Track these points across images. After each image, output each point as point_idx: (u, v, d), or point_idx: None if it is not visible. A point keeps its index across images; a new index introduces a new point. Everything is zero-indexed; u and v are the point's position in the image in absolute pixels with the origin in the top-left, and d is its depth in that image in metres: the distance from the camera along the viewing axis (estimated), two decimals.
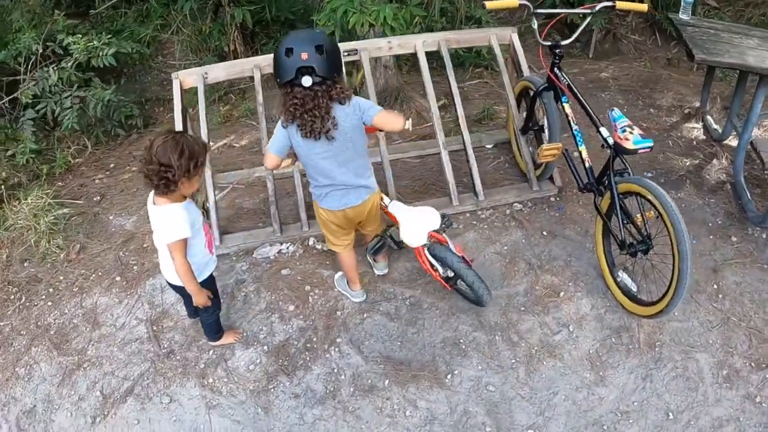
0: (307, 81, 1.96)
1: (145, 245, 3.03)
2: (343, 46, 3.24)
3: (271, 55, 2.08)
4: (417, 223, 2.39)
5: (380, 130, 2.51)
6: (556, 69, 2.83)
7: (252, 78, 3.15)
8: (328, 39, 2.04)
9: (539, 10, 2.77)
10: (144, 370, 2.46)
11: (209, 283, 2.30)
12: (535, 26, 2.72)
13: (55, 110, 3.44)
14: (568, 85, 2.80)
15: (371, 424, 2.27)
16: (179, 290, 2.27)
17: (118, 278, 2.87)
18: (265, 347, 2.53)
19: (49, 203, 3.15)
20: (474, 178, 3.19)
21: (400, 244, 2.63)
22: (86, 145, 3.82)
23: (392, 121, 2.19)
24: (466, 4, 4.16)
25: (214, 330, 2.46)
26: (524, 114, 3.25)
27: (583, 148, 2.77)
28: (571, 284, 2.76)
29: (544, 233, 3.04)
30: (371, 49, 3.27)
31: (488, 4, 2.62)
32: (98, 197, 3.41)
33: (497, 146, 3.68)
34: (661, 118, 3.86)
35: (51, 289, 2.83)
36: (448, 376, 2.41)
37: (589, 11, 2.77)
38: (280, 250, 2.97)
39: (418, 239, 2.39)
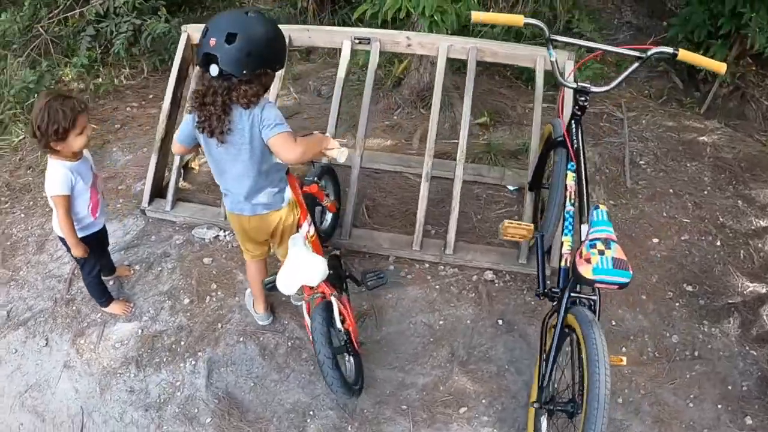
0: (213, 70, 1.71)
1: (120, 188, 3.17)
2: (357, 32, 2.84)
3: None
4: (292, 268, 2.02)
5: None
6: (573, 122, 2.10)
7: None
8: (256, 28, 1.72)
9: (561, 38, 2.03)
10: (45, 308, 2.63)
11: (94, 241, 2.34)
12: (554, 58, 2.00)
13: (113, 32, 3.69)
14: (578, 149, 2.07)
15: None
16: (62, 241, 2.32)
17: None
18: (140, 331, 2.50)
19: None
20: (449, 224, 2.64)
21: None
22: (143, 69, 4.07)
23: (285, 150, 1.81)
24: (568, 12, 3.31)
25: (96, 292, 2.49)
26: (534, 165, 2.54)
27: (567, 239, 2.04)
28: (484, 401, 2.18)
29: (500, 322, 2.43)
30: (386, 42, 2.79)
31: (477, 16, 1.96)
32: (118, 125, 3.64)
33: (521, 191, 2.97)
34: (747, 217, 2.74)
35: (32, 203, 3.15)
36: None
37: (637, 54, 1.94)
38: (218, 235, 2.86)
39: (284, 286, 2.02)
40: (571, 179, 2.06)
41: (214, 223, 2.89)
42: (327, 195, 2.59)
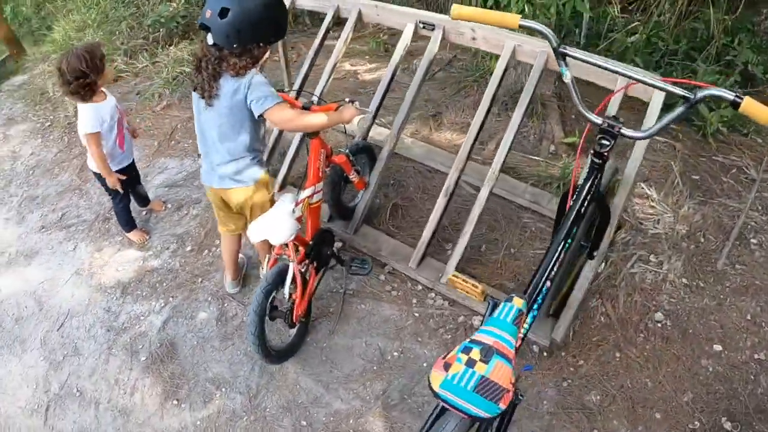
0: (209, 39, 1.82)
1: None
2: (425, 15, 2.60)
3: None
4: (263, 220, 1.93)
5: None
6: (588, 172, 1.64)
7: None
8: (248, 4, 1.74)
9: (577, 53, 1.55)
10: (88, 219, 2.99)
11: (125, 174, 2.59)
12: (568, 79, 1.56)
13: None
14: (579, 212, 1.64)
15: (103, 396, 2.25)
16: (98, 177, 2.61)
17: (155, 143, 3.44)
18: (141, 262, 2.70)
19: (184, 58, 3.87)
20: (455, 250, 2.30)
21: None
22: None
23: (282, 121, 1.94)
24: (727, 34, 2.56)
25: (122, 220, 2.76)
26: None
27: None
28: None
29: None
30: (450, 31, 2.50)
31: (458, 12, 1.57)
32: None
33: None
34: None
35: None
36: (175, 401, 2.11)
37: (682, 92, 1.39)
38: None
39: (251, 232, 1.94)
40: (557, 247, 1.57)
41: None
42: (357, 171, 2.48)
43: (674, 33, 2.92)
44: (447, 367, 1.20)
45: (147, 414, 2.09)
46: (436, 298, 2.33)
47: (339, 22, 2.87)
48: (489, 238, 2.57)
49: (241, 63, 1.81)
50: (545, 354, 2.09)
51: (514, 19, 1.49)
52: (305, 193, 2.12)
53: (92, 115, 2.36)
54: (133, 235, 2.80)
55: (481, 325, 1.35)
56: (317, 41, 2.85)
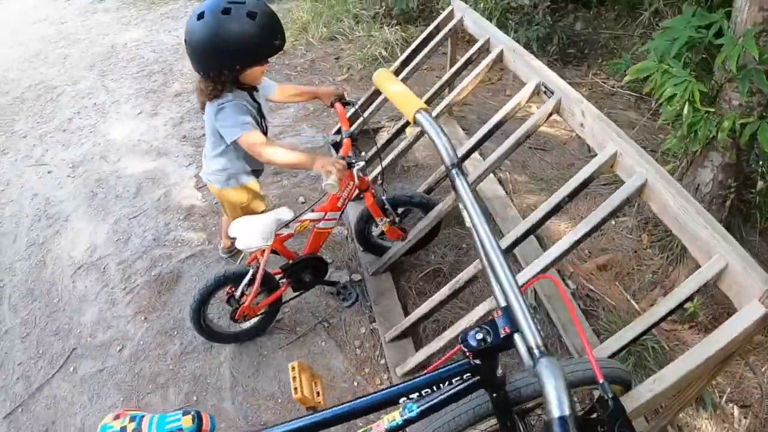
0: None
1: None
2: (551, 79, 2.24)
3: None
4: (243, 220, 1.98)
5: None
6: None
7: None
8: (197, 34, 1.70)
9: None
10: None
11: None
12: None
13: None
14: None
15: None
16: None
17: (310, 108, 3.77)
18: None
19: (389, 41, 4.15)
20: (416, 355, 2.05)
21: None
22: None
23: (250, 150, 1.90)
24: None
25: None
26: None
27: None
28: None
29: None
30: (564, 106, 2.09)
31: (379, 78, 1.31)
32: None
33: None
34: None
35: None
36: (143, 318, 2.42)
37: None
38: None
39: (231, 227, 1.99)
40: None
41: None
42: (392, 221, 2.34)
43: None
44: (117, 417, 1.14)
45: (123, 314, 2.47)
46: (384, 382, 2.15)
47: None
48: None
49: (209, 88, 1.83)
50: None
51: (413, 107, 1.16)
52: (310, 215, 2.12)
53: None
54: None
55: None
56: (458, 65, 2.69)
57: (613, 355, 1.53)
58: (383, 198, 2.27)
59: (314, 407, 1.58)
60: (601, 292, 2.39)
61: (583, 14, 4.43)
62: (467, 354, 1.04)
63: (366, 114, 2.88)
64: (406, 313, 2.34)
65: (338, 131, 2.23)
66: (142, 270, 2.67)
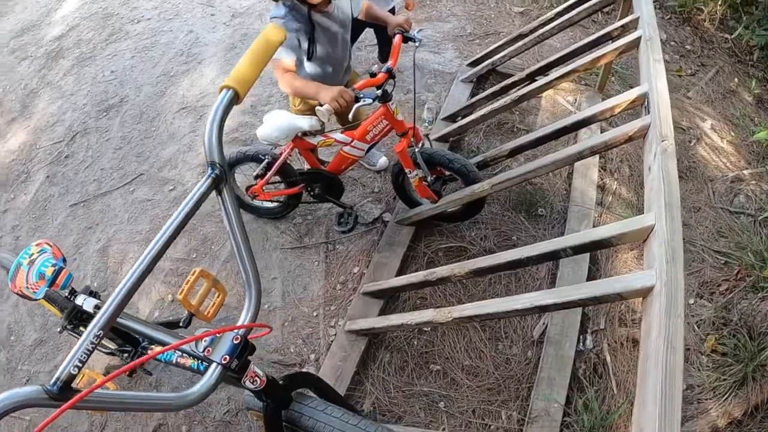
0: None
1: None
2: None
3: None
4: (274, 113, 2.08)
5: None
6: None
7: None
8: None
9: None
10: None
11: None
12: None
13: None
14: None
15: None
16: None
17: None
18: None
19: None
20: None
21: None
22: None
23: (277, 75, 1.93)
24: None
25: None
26: None
27: None
28: None
29: None
30: None
31: None
32: None
33: None
34: None
35: None
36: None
37: None
38: None
39: (264, 118, 2.13)
40: None
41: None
42: (423, 177, 2.18)
43: None
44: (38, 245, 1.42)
45: (190, 161, 2.83)
46: (332, 328, 2.16)
47: None
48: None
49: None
50: None
51: None
52: (337, 136, 2.10)
53: None
54: None
55: None
56: (591, 38, 2.22)
57: None
58: (416, 150, 2.10)
59: (195, 314, 1.69)
60: None
61: None
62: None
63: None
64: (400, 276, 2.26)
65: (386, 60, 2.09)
66: (228, 129, 2.95)
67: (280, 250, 2.43)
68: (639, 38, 1.91)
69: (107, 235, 2.55)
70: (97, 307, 1.35)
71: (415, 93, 2.06)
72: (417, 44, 2.07)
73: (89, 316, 1.40)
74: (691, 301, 2.03)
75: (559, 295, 1.30)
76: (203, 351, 0.89)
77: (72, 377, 0.67)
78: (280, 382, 1.11)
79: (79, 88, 3.31)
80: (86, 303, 1.35)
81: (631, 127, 1.58)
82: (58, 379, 0.67)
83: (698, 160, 2.69)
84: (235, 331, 0.89)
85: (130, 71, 3.35)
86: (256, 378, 1.01)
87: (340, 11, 1.93)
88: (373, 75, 1.91)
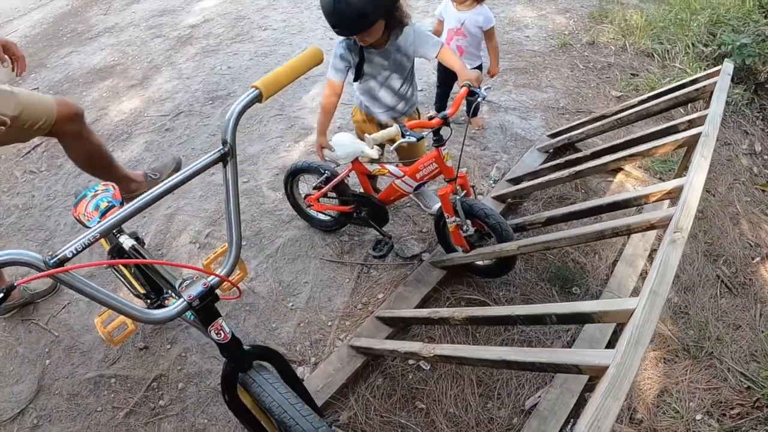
0: None
1: None
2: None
3: None
4: (345, 135, 2.34)
5: None
6: None
7: None
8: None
9: None
10: None
11: None
12: None
13: None
14: None
15: None
16: None
17: None
18: None
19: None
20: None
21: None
22: None
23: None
24: None
25: None
26: None
27: None
28: None
29: None
30: None
31: None
32: None
33: None
34: None
35: None
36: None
37: None
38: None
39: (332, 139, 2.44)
40: None
41: None
42: (458, 224, 2.29)
43: None
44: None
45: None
46: (334, 342, 2.29)
47: None
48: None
49: None
50: None
51: None
52: (391, 168, 2.31)
53: None
54: None
55: None
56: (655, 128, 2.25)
57: None
58: (458, 197, 2.22)
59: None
60: None
61: None
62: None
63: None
64: None
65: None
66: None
67: (320, 259, 2.62)
68: (699, 134, 1.93)
69: (178, 204, 2.90)
70: (134, 248, 1.60)
71: (463, 145, 2.21)
72: (480, 99, 2.22)
73: (126, 255, 1.66)
74: (698, 417, 1.93)
75: (523, 355, 1.36)
76: (179, 287, 1.07)
77: (67, 259, 0.88)
78: (246, 347, 1.27)
79: (196, 74, 3.81)
80: (126, 242, 1.60)
81: (655, 215, 1.61)
82: (55, 256, 0.88)
83: (756, 279, 2.55)
84: (209, 277, 1.08)
85: (245, 71, 3.81)
86: (221, 331, 1.17)
87: (398, 51, 2.15)
88: (431, 119, 2.08)
